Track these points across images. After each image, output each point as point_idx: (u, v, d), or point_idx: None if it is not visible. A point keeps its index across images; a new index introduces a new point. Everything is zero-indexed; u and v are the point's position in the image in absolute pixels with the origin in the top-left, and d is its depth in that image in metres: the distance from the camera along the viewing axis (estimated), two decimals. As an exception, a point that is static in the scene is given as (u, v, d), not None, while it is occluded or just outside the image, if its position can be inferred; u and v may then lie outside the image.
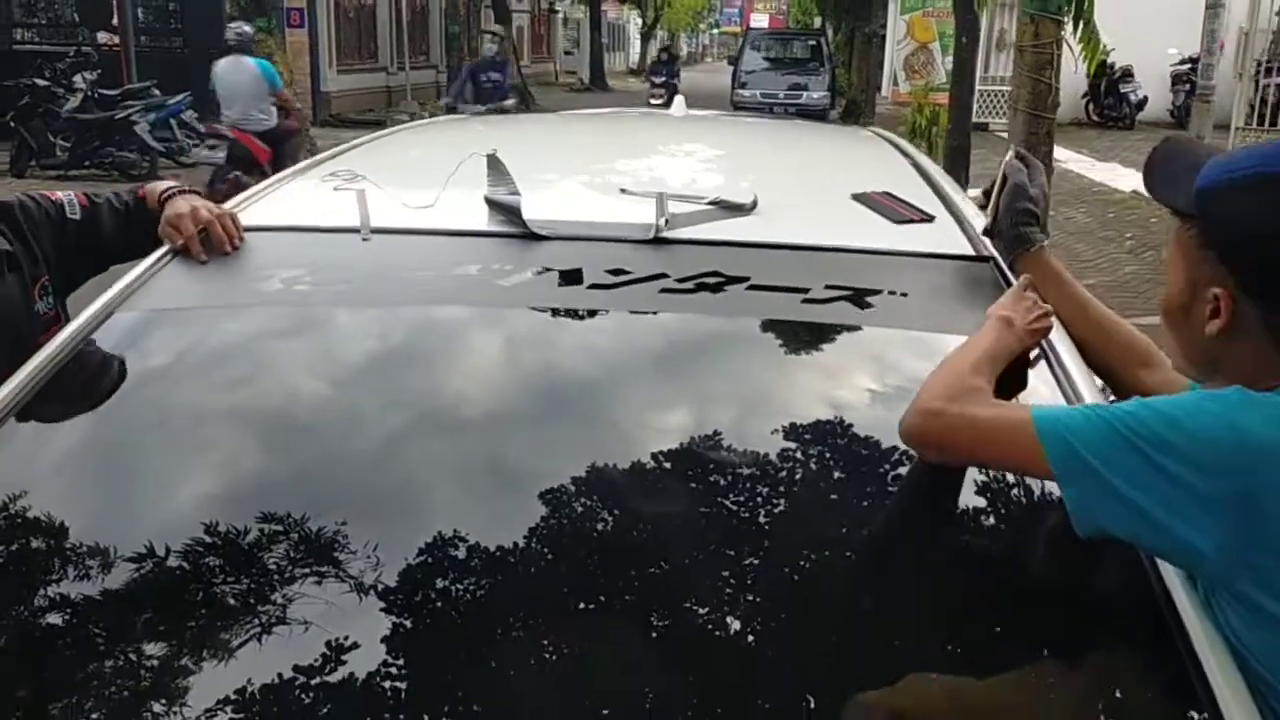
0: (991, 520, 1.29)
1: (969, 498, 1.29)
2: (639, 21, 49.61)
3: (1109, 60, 15.93)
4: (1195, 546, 1.09)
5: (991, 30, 15.30)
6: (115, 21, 15.30)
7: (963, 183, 8.42)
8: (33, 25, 17.30)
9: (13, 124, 12.48)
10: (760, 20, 52.63)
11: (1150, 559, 1.16)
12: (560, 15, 41.87)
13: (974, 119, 16.41)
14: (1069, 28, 5.78)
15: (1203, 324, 1.18)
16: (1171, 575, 1.15)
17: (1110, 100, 15.97)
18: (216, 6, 15.93)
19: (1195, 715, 1.06)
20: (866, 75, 18.65)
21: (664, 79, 20.27)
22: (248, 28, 10.08)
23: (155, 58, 15.37)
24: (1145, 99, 15.60)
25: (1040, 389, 1.35)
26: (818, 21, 28.98)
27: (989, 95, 15.57)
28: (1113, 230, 8.65)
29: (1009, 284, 1.51)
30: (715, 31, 68.81)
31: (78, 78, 13.19)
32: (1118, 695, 1.14)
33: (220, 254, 1.63)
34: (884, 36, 17.58)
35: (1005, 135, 8.21)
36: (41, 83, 12.74)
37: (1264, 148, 1.24)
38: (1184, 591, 1.14)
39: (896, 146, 2.34)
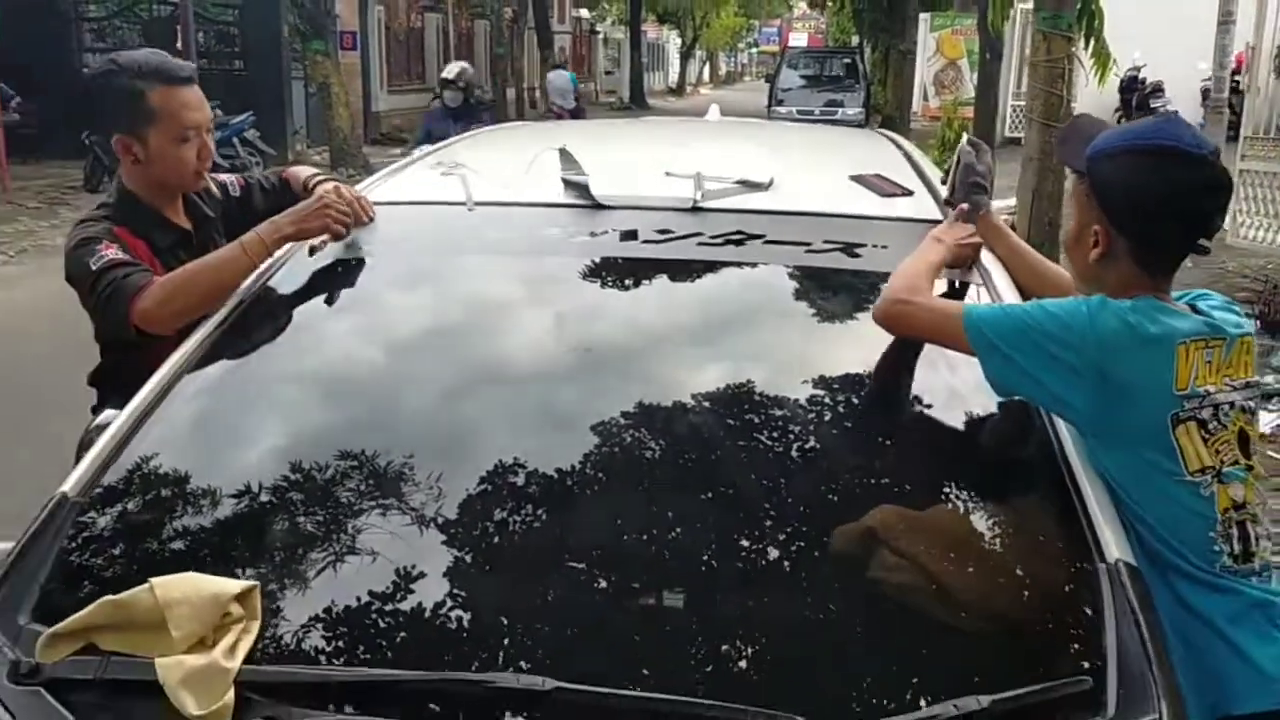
0: (941, 401, 1.76)
1: (923, 388, 1.76)
2: (678, 41, 50.30)
3: (1140, 75, 16.24)
4: (1072, 403, 1.56)
5: (1023, 48, 15.67)
6: (179, 45, 16.13)
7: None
8: (100, 50, 18.20)
9: (88, 141, 13.24)
10: (799, 39, 53.06)
11: (1048, 417, 1.63)
12: (601, 36, 42.65)
13: (1007, 133, 16.83)
14: (1080, 44, 6.17)
15: (1088, 252, 1.64)
16: (1063, 429, 1.61)
17: (1140, 115, 16.26)
18: (275, 31, 16.68)
19: (1080, 523, 1.51)
20: (900, 92, 19.07)
21: None
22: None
23: (217, 80, 16.15)
24: (1175, 114, 15.86)
25: (980, 300, 1.83)
26: (855, 40, 29.42)
27: (1021, 110, 15.91)
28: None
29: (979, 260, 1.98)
30: (754, 51, 69.35)
31: (147, 98, 13.96)
32: (1026, 513, 1.60)
33: (359, 225, 2.12)
34: (914, 54, 17.98)
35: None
36: (115, 103, 13.49)
37: (1134, 127, 1.71)
38: (1070, 440, 1.60)
39: (895, 143, 2.80)
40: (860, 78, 20.82)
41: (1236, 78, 8.25)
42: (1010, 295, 1.82)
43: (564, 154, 2.28)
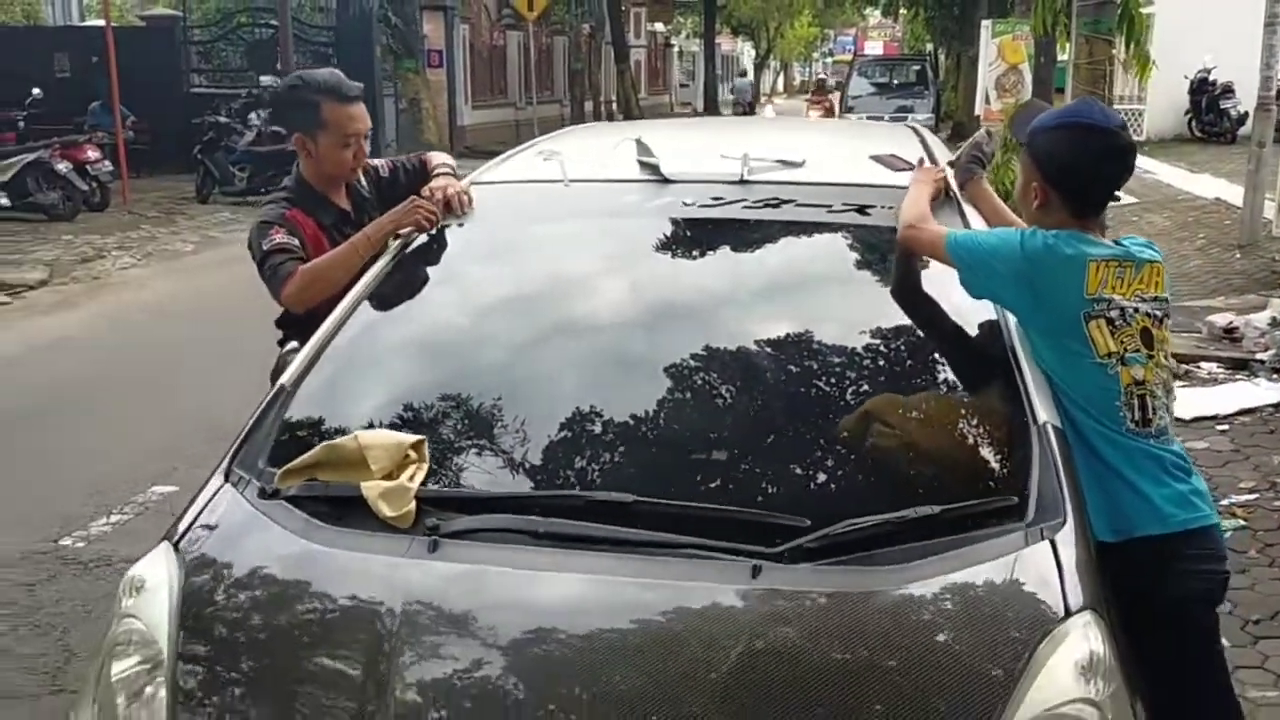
0: (923, 317, 2.32)
1: (910, 310, 2.33)
2: (752, 53, 50.76)
3: (1210, 77, 16.30)
4: (1012, 303, 2.12)
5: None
6: (279, 65, 17.17)
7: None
8: (205, 71, 19.40)
9: (198, 156, 14.28)
10: (875, 48, 53.11)
11: (1002, 323, 2.17)
12: (676, 49, 43.36)
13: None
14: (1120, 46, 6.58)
15: (1031, 203, 2.19)
16: (1012, 331, 2.15)
17: (1211, 116, 16.30)
18: (369, 50, 17.64)
19: (1020, 397, 2.05)
20: (970, 96, 19.35)
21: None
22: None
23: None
24: (1246, 114, 15.86)
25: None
26: (930, 47, 29.66)
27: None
28: (1188, 231, 9.30)
29: (955, 198, 2.53)
30: (829, 60, 69.32)
31: (251, 116, 14.98)
32: (981, 391, 2.15)
33: (455, 217, 2.69)
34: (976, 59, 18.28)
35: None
36: (223, 120, 14.53)
37: (1063, 108, 2.26)
38: (1017, 338, 2.14)
39: (916, 133, 3.33)
40: (929, 84, 21.15)
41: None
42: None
43: (639, 142, 2.88)
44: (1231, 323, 6.16)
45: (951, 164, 2.63)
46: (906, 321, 2.33)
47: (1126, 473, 2.06)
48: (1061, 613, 1.68)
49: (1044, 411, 2.02)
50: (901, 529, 1.80)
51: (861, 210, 2.53)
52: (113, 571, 3.97)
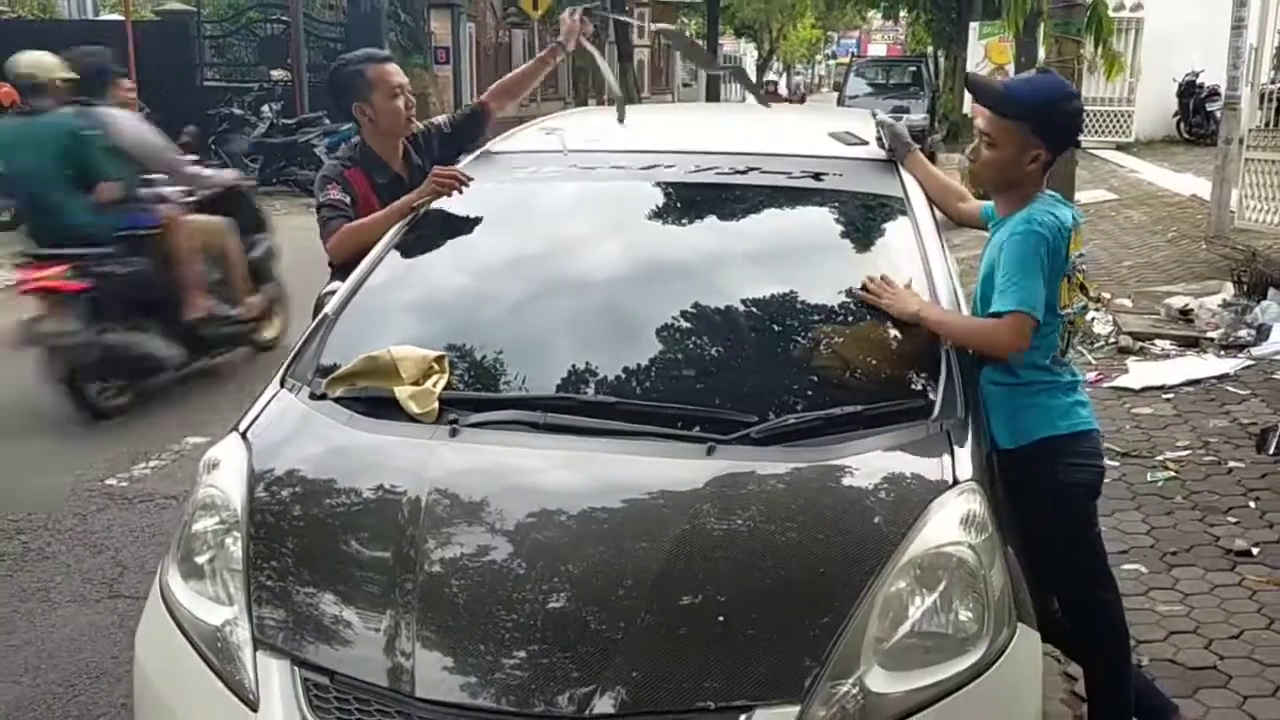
0: (865, 262, 2.76)
1: (852, 256, 2.78)
2: (755, 54, 51.16)
3: (1198, 80, 16.72)
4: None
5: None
6: (289, 60, 17.62)
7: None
8: (218, 65, 19.84)
9: (213, 146, 14.70)
10: (878, 50, 53.49)
11: (924, 257, 2.62)
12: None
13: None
14: (1089, 46, 7.01)
15: (1026, 165, 2.43)
16: (934, 266, 2.60)
17: (1198, 118, 16.71)
18: (377, 45, 18.05)
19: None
20: (964, 97, 19.81)
21: None
22: None
23: (324, 91, 17.61)
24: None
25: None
26: (931, 49, 30.11)
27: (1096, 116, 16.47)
28: (1161, 225, 9.74)
29: (902, 182, 2.96)
30: (832, 63, 69.67)
31: (265, 108, 15.42)
32: (904, 324, 2.60)
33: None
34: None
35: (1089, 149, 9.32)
36: (238, 112, 14.96)
37: (1040, 80, 2.57)
38: (937, 276, 2.58)
39: (875, 116, 3.78)
40: (925, 85, 21.58)
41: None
42: (924, 211, 2.82)
43: (630, 121, 3.34)
44: (1187, 305, 6.60)
45: (887, 150, 3.05)
46: (849, 267, 2.77)
47: (1035, 392, 2.48)
48: (950, 481, 2.13)
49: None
50: (832, 422, 2.25)
51: (816, 177, 2.98)
52: (155, 506, 4.43)
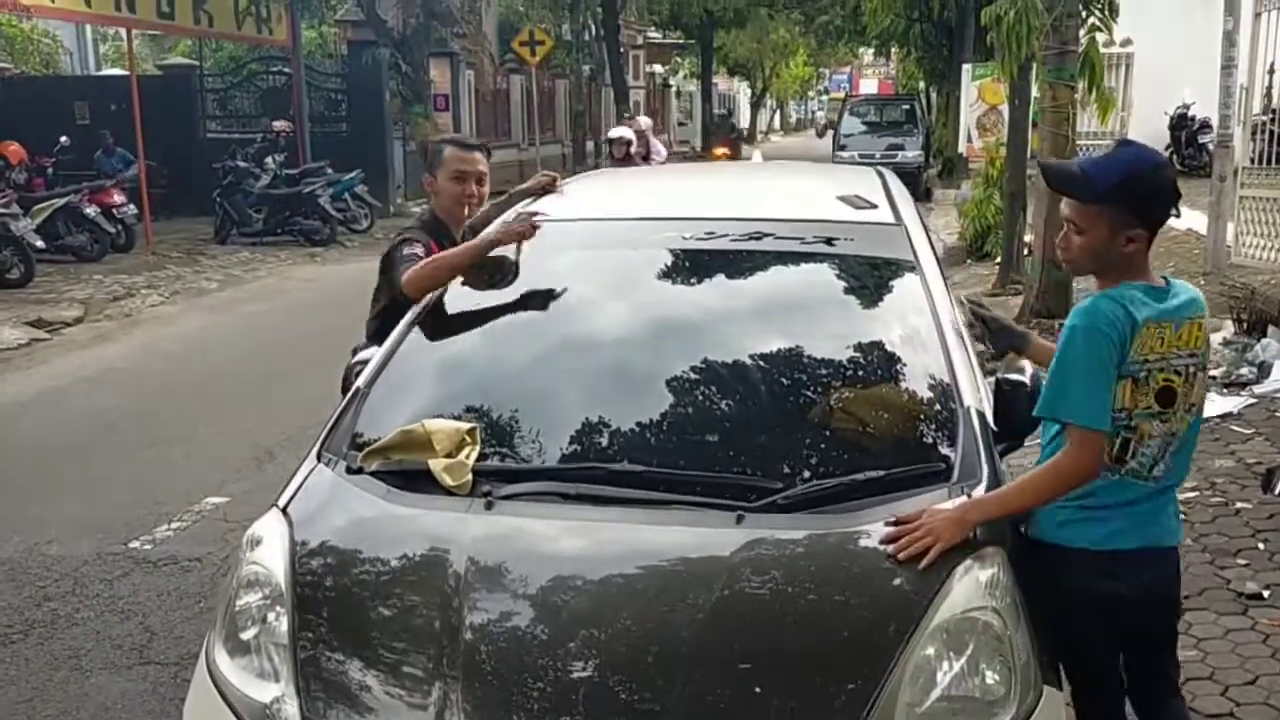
0: (877, 328, 2.86)
1: (868, 321, 2.87)
2: (749, 92, 51.70)
3: (1189, 113, 16.95)
4: None
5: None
6: (292, 111, 17.85)
7: (1019, 223, 9.80)
8: (220, 118, 20.10)
9: (217, 198, 14.87)
10: (870, 86, 54.00)
11: (938, 322, 2.69)
12: (674, 89, 44.24)
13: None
14: (1082, 90, 7.16)
15: (1122, 249, 2.21)
16: (947, 329, 2.68)
17: (1190, 150, 16.91)
18: (378, 96, 18.30)
19: (952, 387, 2.57)
20: (958, 134, 20.01)
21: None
22: None
23: (325, 140, 17.83)
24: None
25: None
26: (921, 86, 30.46)
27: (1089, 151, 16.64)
28: (1159, 260, 9.76)
29: (912, 245, 3.05)
30: (824, 99, 70.31)
31: (268, 159, 15.60)
32: (922, 384, 2.67)
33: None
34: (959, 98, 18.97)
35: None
36: (242, 164, 15.14)
37: (1127, 156, 2.33)
38: (951, 339, 2.67)
39: (879, 175, 3.88)
40: (918, 122, 21.84)
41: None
42: (935, 274, 2.92)
43: (638, 186, 3.45)
44: (1188, 343, 6.66)
45: (981, 340, 2.78)
46: (863, 329, 2.86)
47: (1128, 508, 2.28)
48: (973, 547, 2.20)
49: (969, 398, 2.55)
50: (855, 488, 2.33)
51: (829, 241, 3.07)
52: (179, 569, 4.49)
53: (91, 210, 12.61)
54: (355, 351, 3.25)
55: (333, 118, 19.32)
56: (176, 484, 5.49)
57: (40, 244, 11.47)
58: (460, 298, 3.11)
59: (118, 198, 13.11)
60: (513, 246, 3.17)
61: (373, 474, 2.52)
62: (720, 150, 24.53)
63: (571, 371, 2.80)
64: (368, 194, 15.69)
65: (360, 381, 2.84)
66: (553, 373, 2.81)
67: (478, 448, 2.54)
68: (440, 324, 3.05)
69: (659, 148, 11.90)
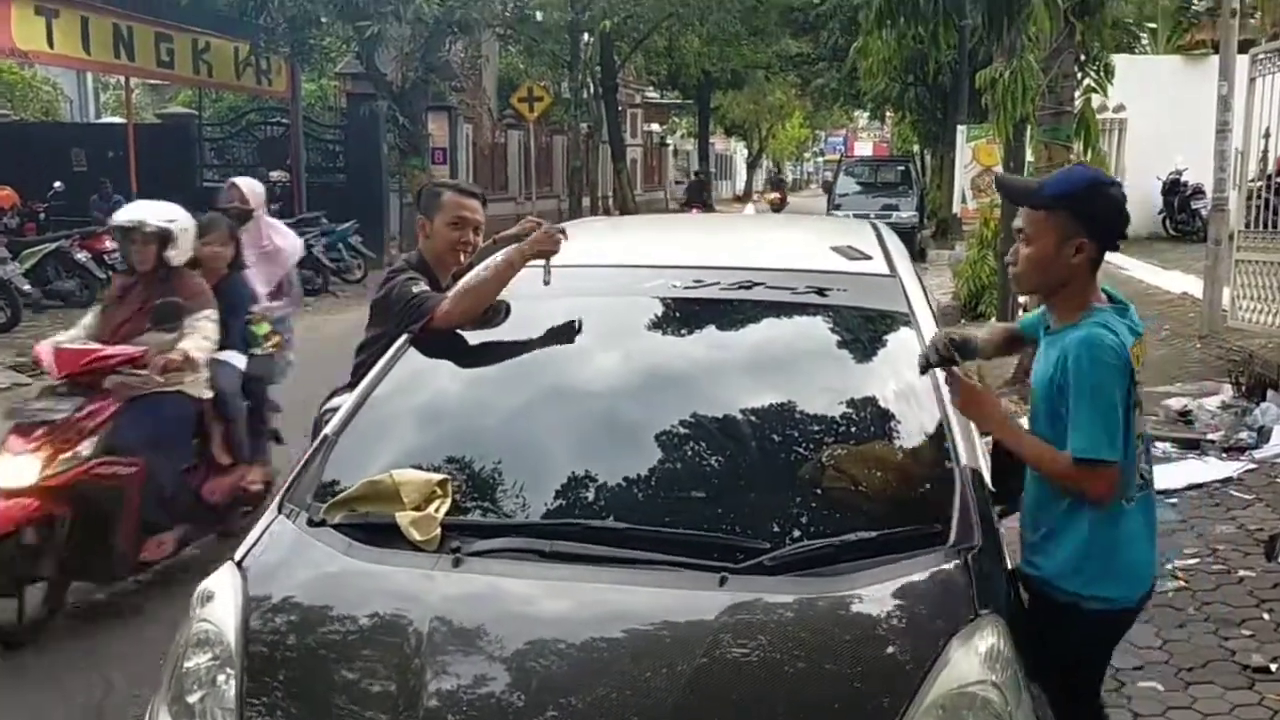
0: (873, 384, 2.74)
1: (863, 376, 2.75)
2: (745, 152, 52.20)
3: (1182, 179, 17.05)
4: None
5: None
6: (289, 161, 17.90)
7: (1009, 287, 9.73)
8: (216, 166, 20.14)
9: (211, 247, 14.82)
10: (865, 148, 54.60)
11: (933, 377, 2.56)
12: (671, 148, 44.68)
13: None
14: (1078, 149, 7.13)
15: (1069, 259, 2.28)
16: (941, 386, 2.56)
17: (1183, 215, 17.00)
18: (376, 149, 18.35)
19: (948, 445, 2.45)
20: (952, 195, 20.14)
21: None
22: None
23: (323, 192, 17.85)
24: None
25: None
26: (916, 148, 30.76)
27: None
28: (1153, 323, 9.78)
29: (907, 297, 2.95)
30: (820, 160, 71.05)
31: (262, 208, 15.59)
32: (917, 443, 2.55)
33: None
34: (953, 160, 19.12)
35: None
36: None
37: (1085, 169, 2.55)
38: (946, 395, 2.55)
39: (875, 229, 3.80)
40: (913, 183, 21.98)
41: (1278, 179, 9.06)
42: (929, 326, 2.82)
43: (628, 233, 3.35)
44: (1186, 406, 6.58)
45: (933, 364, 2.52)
46: (856, 384, 2.75)
47: (1136, 534, 2.36)
48: (971, 614, 2.06)
49: (965, 456, 2.43)
50: (846, 549, 2.19)
51: (820, 292, 2.97)
52: (144, 619, 4.31)
53: (82, 256, 12.53)
54: (332, 395, 3.13)
55: (330, 168, 19.39)
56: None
57: (28, 288, 11.37)
58: (440, 340, 2.99)
59: (109, 243, 13.00)
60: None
61: (336, 527, 2.38)
62: (772, 196, 27.95)
63: (552, 422, 2.68)
64: (362, 245, 15.65)
65: (329, 428, 2.71)
66: (532, 422, 2.68)
67: (449, 500, 2.41)
68: (418, 368, 2.93)
69: (269, 236, 5.97)
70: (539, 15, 23.17)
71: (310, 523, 2.41)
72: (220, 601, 2.24)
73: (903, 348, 2.79)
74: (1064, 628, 2.36)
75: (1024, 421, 2.51)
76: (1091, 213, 2.31)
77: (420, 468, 2.50)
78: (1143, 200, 17.70)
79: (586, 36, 24.72)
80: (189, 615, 2.28)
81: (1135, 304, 2.49)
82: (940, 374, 2.49)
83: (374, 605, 2.19)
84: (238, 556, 2.36)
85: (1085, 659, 2.46)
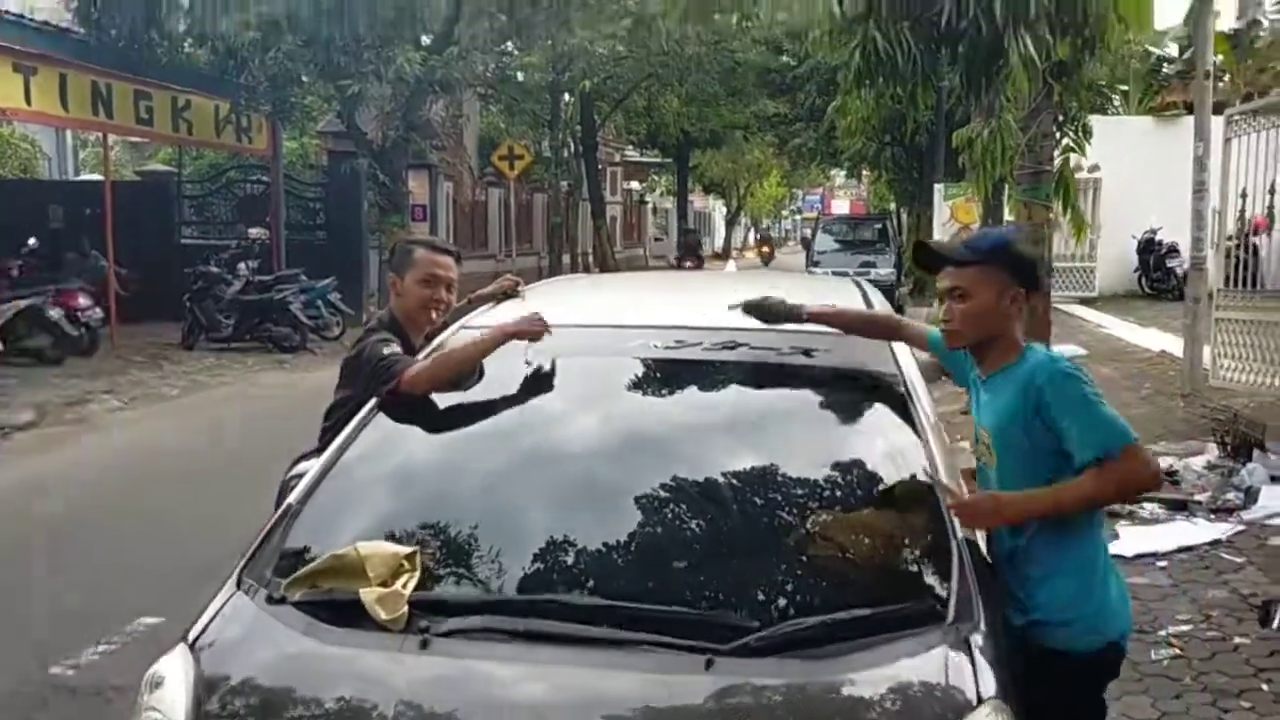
0: (861, 448, 2.64)
1: (849, 439, 2.65)
2: (724, 210, 52.63)
3: (1157, 237, 17.23)
4: None
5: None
6: (269, 219, 17.81)
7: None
8: (196, 224, 20.05)
9: (187, 303, 14.66)
10: (841, 206, 55.22)
11: (927, 440, 2.48)
12: (650, 205, 44.98)
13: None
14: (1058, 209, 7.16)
15: (1009, 309, 2.41)
16: (935, 450, 2.46)
17: (1159, 274, 17.16)
18: (357, 206, 18.31)
19: (944, 518, 2.34)
20: (931, 254, 20.23)
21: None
22: None
23: (301, 248, 17.74)
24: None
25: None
26: (893, 206, 31.07)
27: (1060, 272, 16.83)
28: (1133, 381, 9.77)
29: (895, 356, 2.88)
30: (798, 218, 71.76)
31: (241, 266, 15.49)
32: (914, 512, 2.44)
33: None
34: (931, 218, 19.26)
35: (1055, 305, 9.55)
36: (213, 270, 14.99)
37: (997, 231, 2.65)
38: (939, 460, 2.45)
39: (858, 285, 3.73)
40: (890, 241, 22.11)
41: (1255, 239, 9.12)
42: (918, 384, 2.77)
43: (606, 292, 3.26)
44: (1172, 466, 6.51)
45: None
46: (845, 447, 2.65)
47: (1110, 567, 2.43)
48: (974, 700, 1.94)
49: (962, 525, 2.32)
50: (838, 628, 2.07)
51: (806, 353, 2.88)
52: (100, 700, 4.11)
53: (55, 313, 12.35)
54: (297, 460, 3.00)
55: (310, 226, 19.30)
56: (110, 601, 5.12)
57: (-1, 346, 11.17)
58: (411, 403, 2.88)
59: (83, 301, 12.85)
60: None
61: (297, 604, 2.24)
62: (762, 250, 29.85)
63: (527, 490, 2.55)
64: (341, 302, 15.53)
65: (293, 497, 2.58)
66: (507, 491, 2.56)
67: (417, 574, 2.28)
68: (387, 433, 2.81)
69: None
70: (520, 75, 23.35)
71: (269, 600, 2.27)
72: (170, 688, 2.10)
73: (892, 408, 2.70)
74: (1056, 675, 2.33)
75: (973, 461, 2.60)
76: (1019, 263, 2.47)
77: (390, 538, 2.38)
78: (1119, 258, 17.91)
79: (567, 96, 24.94)
80: (137, 701, 2.13)
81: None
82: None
83: (336, 690, 2.05)
84: (190, 637, 2.22)
85: (1080, 706, 2.42)
